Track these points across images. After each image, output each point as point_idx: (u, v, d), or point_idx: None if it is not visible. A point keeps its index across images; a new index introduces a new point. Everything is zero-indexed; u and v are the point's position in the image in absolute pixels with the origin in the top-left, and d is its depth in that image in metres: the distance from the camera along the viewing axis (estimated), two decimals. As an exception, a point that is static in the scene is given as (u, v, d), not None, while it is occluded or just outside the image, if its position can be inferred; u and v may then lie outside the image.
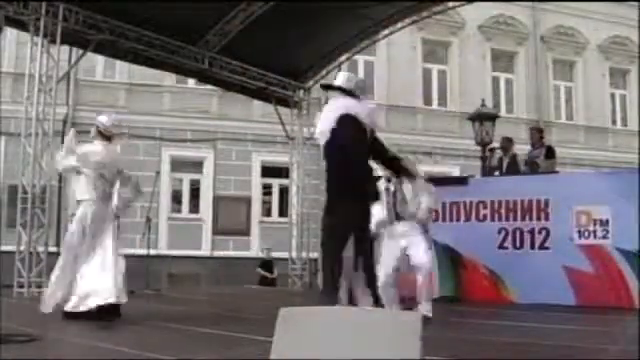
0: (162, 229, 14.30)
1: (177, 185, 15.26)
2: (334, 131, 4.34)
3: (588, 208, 7.08)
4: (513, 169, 8.85)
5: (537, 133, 9.12)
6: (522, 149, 9.36)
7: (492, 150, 10.21)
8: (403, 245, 5.33)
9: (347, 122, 4.33)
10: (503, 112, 16.26)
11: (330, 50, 11.32)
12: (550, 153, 8.77)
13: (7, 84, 12.94)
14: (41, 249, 7.82)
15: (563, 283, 7.01)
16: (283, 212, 14.77)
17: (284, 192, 14.66)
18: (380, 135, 4.74)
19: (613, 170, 12.21)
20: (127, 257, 5.47)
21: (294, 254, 11.79)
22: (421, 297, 5.22)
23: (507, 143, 9.38)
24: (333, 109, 4.46)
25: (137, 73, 13.57)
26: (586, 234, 7.08)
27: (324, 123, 4.45)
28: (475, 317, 6.28)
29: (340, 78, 4.68)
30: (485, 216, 7.68)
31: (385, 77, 16.60)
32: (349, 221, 4.27)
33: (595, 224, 7.03)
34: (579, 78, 18.57)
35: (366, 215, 4.49)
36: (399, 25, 11.03)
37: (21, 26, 8.23)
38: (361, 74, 16.47)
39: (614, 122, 18.91)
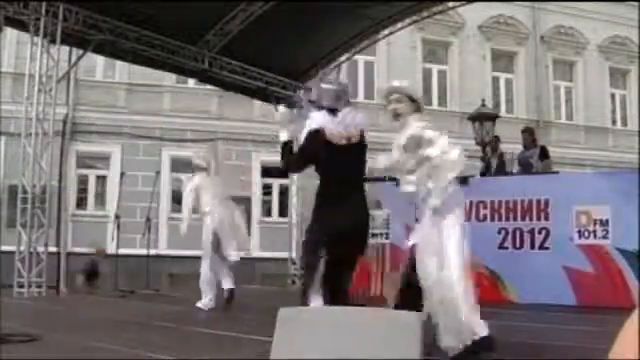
0: (162, 229, 14.28)
1: (177, 185, 15.25)
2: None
3: (588, 208, 7.06)
4: (501, 168, 8.83)
5: (529, 135, 8.99)
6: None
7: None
8: None
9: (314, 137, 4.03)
10: (503, 112, 16.24)
11: (330, 50, 11.32)
12: (544, 154, 8.70)
13: (7, 84, 12.94)
14: (41, 249, 7.83)
15: (563, 283, 7.00)
16: (283, 212, 14.75)
17: (284, 192, 14.65)
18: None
19: (613, 170, 12.20)
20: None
21: (294, 254, 11.79)
22: None
23: (495, 142, 9.34)
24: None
25: (137, 73, 13.56)
26: (586, 234, 7.06)
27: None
28: (475, 317, 6.27)
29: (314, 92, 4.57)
30: (485, 216, 7.66)
31: (385, 77, 16.57)
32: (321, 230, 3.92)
33: (595, 224, 7.02)
34: (579, 78, 18.55)
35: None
36: (399, 25, 11.04)
37: (21, 26, 8.25)
38: (361, 74, 16.52)
39: (614, 122, 18.90)
